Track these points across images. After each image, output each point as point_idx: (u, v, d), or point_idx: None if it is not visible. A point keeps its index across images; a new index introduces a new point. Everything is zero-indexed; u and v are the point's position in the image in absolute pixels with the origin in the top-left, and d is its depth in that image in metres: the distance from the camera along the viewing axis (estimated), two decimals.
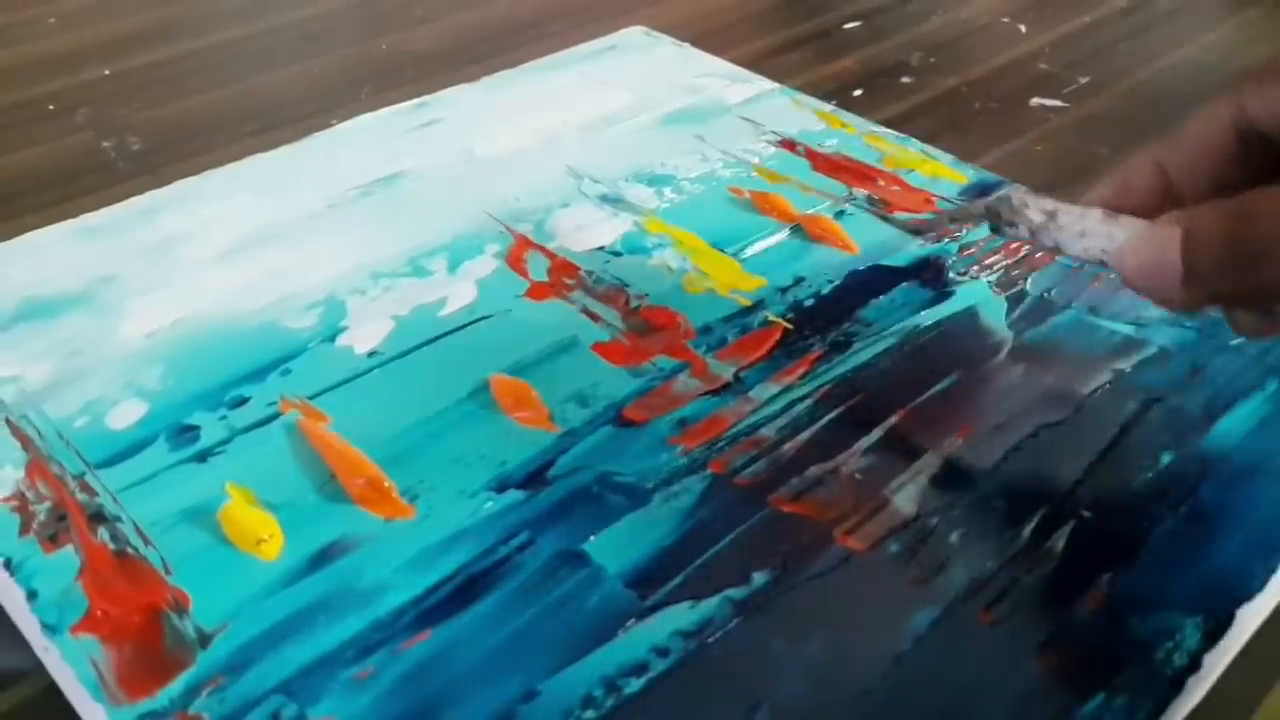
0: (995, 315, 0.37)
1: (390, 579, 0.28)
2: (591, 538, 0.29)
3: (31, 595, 0.27)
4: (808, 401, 0.33)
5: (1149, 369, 0.34)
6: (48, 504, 0.30)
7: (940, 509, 0.30)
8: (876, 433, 0.32)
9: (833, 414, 0.33)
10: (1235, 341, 0.35)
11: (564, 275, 0.38)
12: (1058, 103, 0.51)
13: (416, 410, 0.33)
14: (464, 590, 0.27)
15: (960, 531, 0.29)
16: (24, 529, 0.29)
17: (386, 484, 0.30)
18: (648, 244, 0.40)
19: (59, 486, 0.30)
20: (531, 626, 0.27)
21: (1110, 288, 0.37)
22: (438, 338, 0.35)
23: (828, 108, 0.49)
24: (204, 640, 0.26)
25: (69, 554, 0.28)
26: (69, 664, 0.25)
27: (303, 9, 0.60)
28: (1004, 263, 0.39)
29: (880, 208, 0.42)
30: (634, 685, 0.25)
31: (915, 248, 0.39)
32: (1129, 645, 0.26)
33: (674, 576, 0.28)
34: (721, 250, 0.40)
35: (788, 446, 0.32)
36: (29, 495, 0.30)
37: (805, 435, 0.32)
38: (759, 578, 0.28)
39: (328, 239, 0.40)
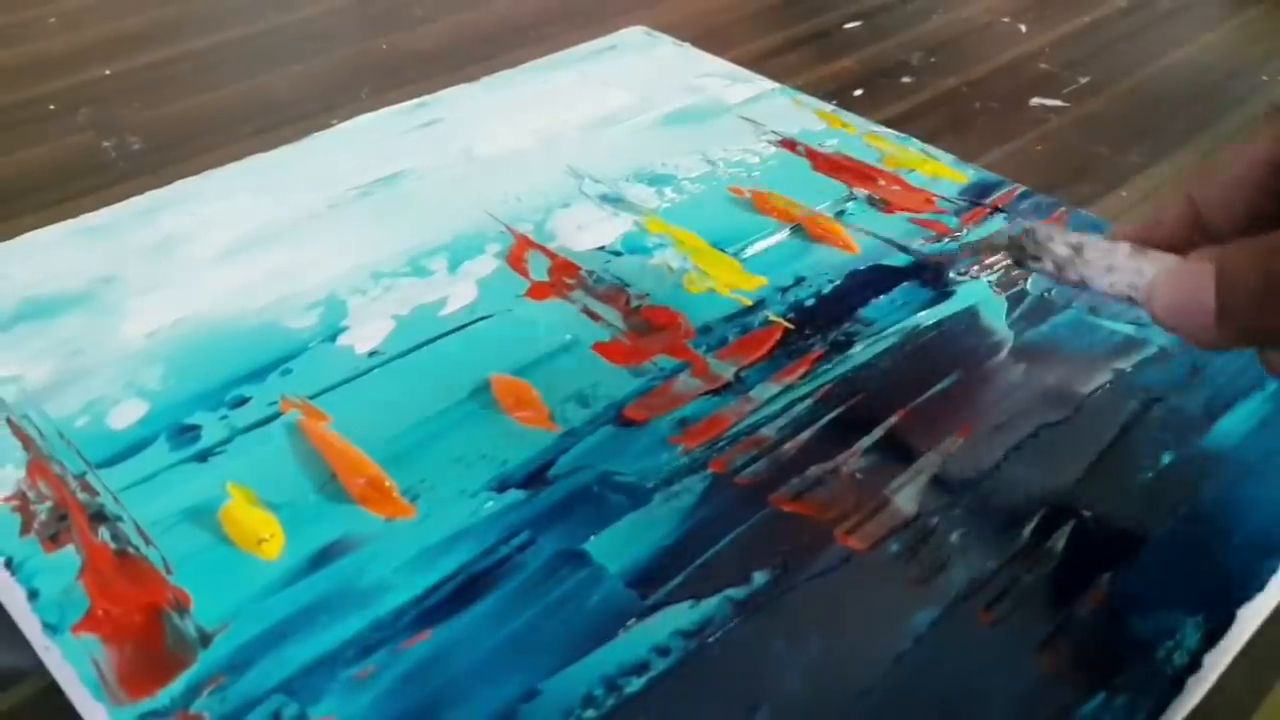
0: (995, 315, 0.37)
1: (391, 578, 0.28)
2: (592, 537, 0.29)
3: (32, 595, 0.27)
4: (808, 401, 0.33)
5: (1149, 369, 0.34)
6: (49, 504, 0.30)
7: (940, 509, 0.30)
8: (877, 432, 0.32)
9: (833, 414, 0.33)
10: None
11: (564, 275, 0.38)
12: (1058, 102, 0.51)
13: (417, 410, 0.33)
14: (465, 590, 0.27)
15: (960, 531, 0.29)
16: (25, 528, 0.29)
17: (387, 484, 0.30)
18: (648, 244, 0.40)
19: (60, 486, 0.30)
20: (532, 626, 0.27)
21: None
22: (438, 337, 0.36)
23: (828, 108, 0.49)
24: (205, 640, 0.26)
25: (70, 553, 0.28)
26: (70, 663, 0.25)
27: (303, 9, 0.60)
28: (1004, 263, 0.39)
29: (881, 207, 0.42)
30: (635, 685, 0.25)
31: (915, 247, 0.40)
32: (1129, 645, 0.26)
33: (674, 576, 0.28)
34: (722, 250, 0.40)
35: (788, 446, 0.32)
36: (30, 495, 0.30)
37: (806, 435, 0.32)
38: (759, 577, 0.28)
39: (328, 239, 0.40)
